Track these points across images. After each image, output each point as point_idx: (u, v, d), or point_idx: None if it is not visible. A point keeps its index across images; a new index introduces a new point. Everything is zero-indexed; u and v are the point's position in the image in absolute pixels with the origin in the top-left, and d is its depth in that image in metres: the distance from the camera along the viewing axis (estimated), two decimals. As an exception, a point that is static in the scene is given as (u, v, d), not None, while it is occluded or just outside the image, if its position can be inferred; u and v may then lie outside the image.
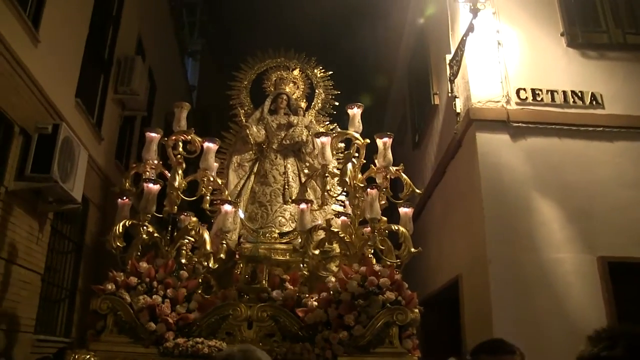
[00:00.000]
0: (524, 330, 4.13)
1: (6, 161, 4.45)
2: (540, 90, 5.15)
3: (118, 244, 3.83)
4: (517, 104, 5.11)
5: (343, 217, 4.41)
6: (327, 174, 4.16)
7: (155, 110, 9.09)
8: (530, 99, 5.12)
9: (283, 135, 5.00)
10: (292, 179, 4.83)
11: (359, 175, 4.18)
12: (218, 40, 14.97)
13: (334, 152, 4.52)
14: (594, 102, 5.12)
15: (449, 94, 5.67)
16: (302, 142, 4.97)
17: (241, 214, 4.57)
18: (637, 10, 5.55)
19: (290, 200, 4.64)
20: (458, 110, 5.47)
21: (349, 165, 4.12)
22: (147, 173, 4.12)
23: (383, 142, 4.16)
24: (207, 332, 3.64)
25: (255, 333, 3.65)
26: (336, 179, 4.39)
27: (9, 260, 4.46)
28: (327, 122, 5.23)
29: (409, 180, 4.17)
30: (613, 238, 4.65)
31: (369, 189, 3.87)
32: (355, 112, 4.25)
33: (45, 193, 4.84)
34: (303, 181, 4.79)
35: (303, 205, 3.90)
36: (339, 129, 4.77)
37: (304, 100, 5.36)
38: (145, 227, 3.88)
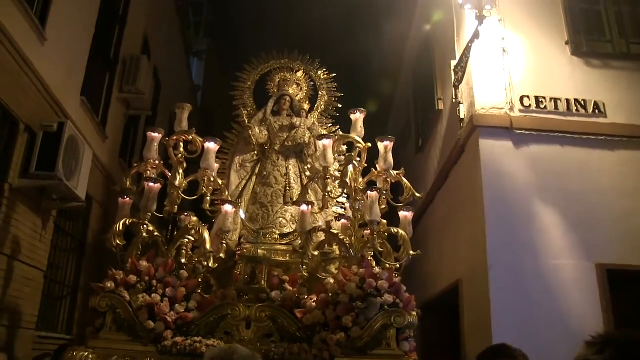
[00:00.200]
0: (523, 335, 4.10)
1: (11, 159, 4.47)
2: (544, 98, 5.17)
3: (118, 242, 3.84)
4: (520, 111, 5.14)
5: (343, 220, 4.43)
6: (328, 176, 4.17)
7: (160, 109, 9.12)
8: (533, 107, 5.15)
9: (285, 136, 5.01)
10: (294, 180, 4.84)
11: (360, 179, 4.20)
12: (224, 41, 15.01)
13: (336, 155, 4.53)
14: (597, 111, 5.14)
15: (453, 100, 5.70)
16: (304, 143, 4.97)
17: (242, 215, 4.58)
18: (642, 21, 5.59)
19: (290, 202, 4.65)
20: (462, 116, 5.49)
21: (350, 167, 4.12)
22: (148, 172, 4.14)
23: (384, 146, 4.17)
24: (206, 332, 3.65)
25: (254, 333, 3.66)
26: (337, 181, 4.40)
27: (13, 257, 4.49)
28: (330, 125, 5.23)
29: (409, 184, 4.18)
30: (613, 246, 4.68)
31: (369, 192, 3.88)
32: (357, 117, 4.26)
33: (50, 191, 4.87)
34: (304, 183, 4.79)
35: (304, 207, 3.91)
36: (341, 132, 4.79)
37: (307, 102, 5.36)
38: (145, 226, 3.89)
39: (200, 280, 3.97)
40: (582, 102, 5.17)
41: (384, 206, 4.07)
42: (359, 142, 4.18)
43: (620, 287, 4.54)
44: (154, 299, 3.62)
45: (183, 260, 3.98)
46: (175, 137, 4.15)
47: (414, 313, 3.67)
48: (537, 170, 4.95)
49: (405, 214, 4.17)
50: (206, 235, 3.98)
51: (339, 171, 4.55)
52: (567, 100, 5.17)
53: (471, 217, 5.21)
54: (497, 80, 5.22)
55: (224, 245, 3.96)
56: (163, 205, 4.07)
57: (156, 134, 4.22)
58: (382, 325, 3.52)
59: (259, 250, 4.04)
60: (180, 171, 4.04)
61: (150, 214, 3.91)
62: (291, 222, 4.60)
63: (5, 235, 4.39)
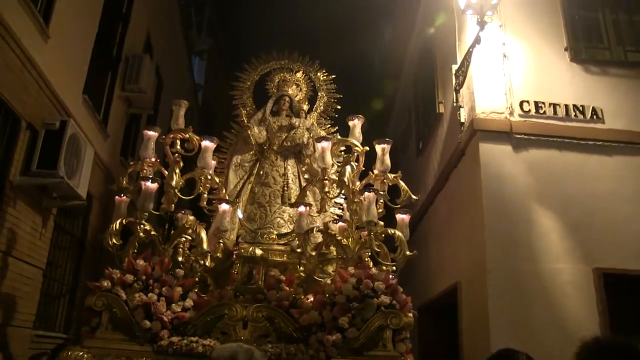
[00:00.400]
0: (520, 338, 4.17)
1: (12, 156, 4.49)
2: (543, 103, 5.20)
3: (114, 241, 3.83)
4: (520, 115, 5.17)
5: (341, 223, 4.44)
6: (326, 178, 4.17)
7: (162, 107, 9.13)
8: (533, 112, 5.18)
9: (284, 137, 5.03)
10: (292, 180, 4.85)
11: (357, 182, 4.21)
12: (225, 40, 15.04)
13: (334, 158, 4.53)
14: (595, 117, 5.18)
15: (454, 104, 5.73)
16: (302, 144, 4.99)
17: (240, 214, 4.60)
18: (638, 29, 5.64)
19: (288, 202, 4.66)
20: (462, 120, 5.52)
21: (348, 167, 4.14)
22: (145, 171, 4.14)
23: (382, 148, 4.17)
24: (202, 331, 3.65)
25: (250, 333, 3.66)
26: (335, 184, 4.41)
27: (12, 255, 4.50)
28: (329, 126, 5.25)
29: (405, 186, 4.20)
30: (610, 250, 4.70)
31: (366, 193, 3.89)
32: (355, 123, 4.27)
33: (51, 189, 4.88)
34: (303, 183, 4.80)
35: (302, 208, 3.92)
36: (339, 136, 4.81)
37: (306, 103, 5.38)
38: (142, 225, 3.90)
39: (197, 279, 3.96)
40: (581, 108, 5.20)
41: (380, 210, 4.08)
42: (357, 146, 4.20)
43: (617, 292, 4.56)
44: (150, 298, 3.61)
45: (180, 259, 3.98)
46: (172, 136, 4.15)
47: (410, 314, 3.68)
48: (535, 174, 4.98)
49: (402, 217, 4.18)
50: (203, 234, 3.99)
51: (338, 172, 4.56)
52: (566, 106, 5.20)
53: (470, 220, 5.24)
54: (497, 85, 5.25)
55: (221, 244, 3.97)
56: (160, 203, 4.08)
57: (153, 133, 4.19)
58: (379, 327, 3.53)
59: (257, 250, 4.05)
60: (177, 170, 4.04)
61: (147, 213, 3.92)
62: (289, 223, 4.61)
63: (6, 232, 4.40)
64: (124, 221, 3.94)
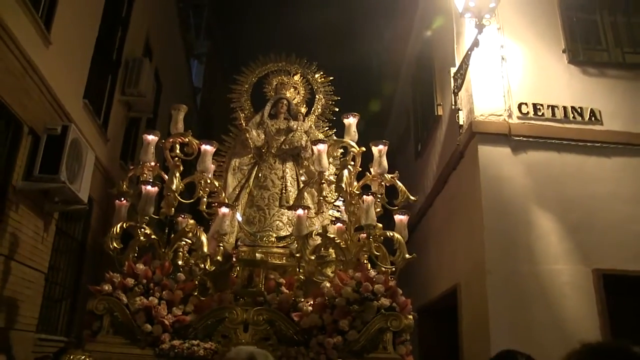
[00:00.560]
0: (520, 339, 4.18)
1: (15, 161, 4.51)
2: (542, 105, 5.23)
3: (115, 245, 3.85)
4: (518, 118, 5.19)
5: (339, 224, 4.45)
6: (323, 181, 4.19)
7: (161, 111, 9.14)
8: (531, 114, 5.21)
9: (282, 139, 5.04)
10: (290, 183, 4.87)
11: (355, 183, 4.23)
12: (224, 43, 15.07)
13: (331, 160, 4.54)
14: (593, 118, 5.21)
15: (453, 106, 5.75)
16: (301, 147, 5.00)
17: (239, 217, 4.61)
18: (636, 31, 5.67)
19: (286, 205, 4.67)
20: (461, 123, 5.55)
21: (345, 172, 4.15)
22: (145, 175, 4.16)
23: (378, 150, 4.19)
24: (203, 335, 3.66)
25: (251, 336, 3.68)
26: (333, 185, 4.43)
27: (15, 259, 4.52)
28: (327, 128, 5.26)
29: (403, 187, 4.21)
30: (609, 251, 4.72)
31: (364, 196, 3.90)
32: (350, 121, 4.29)
33: (53, 193, 4.90)
34: (301, 186, 4.80)
35: (300, 211, 3.93)
36: (335, 137, 4.82)
37: (304, 106, 5.38)
38: (142, 229, 3.91)
39: (196, 282, 3.98)
40: (579, 110, 5.23)
41: (379, 209, 4.10)
42: (353, 147, 4.22)
43: (616, 292, 4.59)
44: (151, 301, 3.63)
45: (180, 263, 4.00)
46: (171, 140, 4.17)
47: (410, 316, 3.70)
48: (534, 176, 5.01)
49: (400, 218, 4.20)
50: (203, 238, 4.00)
51: (335, 174, 4.58)
52: (564, 108, 5.23)
53: (469, 221, 5.26)
54: (495, 88, 5.28)
55: (221, 247, 3.98)
56: (160, 207, 4.09)
57: (152, 137, 4.21)
58: (379, 329, 3.56)
59: (257, 254, 4.07)
60: (177, 174, 4.07)
61: (147, 217, 3.93)
62: (288, 225, 4.62)
63: (8, 237, 4.41)
64: (124, 225, 3.96)
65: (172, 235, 4.26)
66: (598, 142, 5.11)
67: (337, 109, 5.28)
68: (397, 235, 4.01)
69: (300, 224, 3.89)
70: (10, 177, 4.44)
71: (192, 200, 4.20)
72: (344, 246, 4.03)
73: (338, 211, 4.88)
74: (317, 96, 5.41)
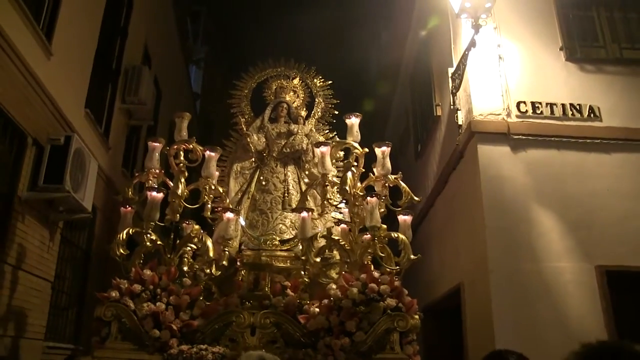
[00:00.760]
0: (524, 338, 4.23)
1: (20, 172, 4.55)
2: (540, 103, 5.25)
3: (122, 251, 3.87)
4: (517, 116, 5.22)
5: (343, 225, 4.48)
6: (327, 183, 4.22)
7: (161, 117, 9.18)
8: (530, 112, 5.23)
9: (283, 143, 5.07)
10: (292, 186, 4.89)
11: (358, 184, 4.25)
12: (222, 49, 15.12)
13: (334, 161, 4.56)
14: (592, 115, 5.23)
15: (451, 107, 5.79)
16: (302, 150, 5.04)
17: (242, 221, 4.64)
18: (633, 26, 5.68)
19: (289, 208, 4.70)
20: (460, 123, 5.58)
21: (349, 174, 4.18)
22: (150, 182, 4.20)
23: (382, 151, 4.22)
24: (211, 339, 3.68)
25: (258, 339, 3.69)
26: (336, 187, 4.45)
27: (22, 269, 4.55)
28: (327, 131, 5.29)
29: (407, 188, 4.23)
30: (611, 248, 4.73)
31: (368, 197, 3.92)
32: (353, 121, 4.32)
33: (57, 203, 4.93)
34: (303, 189, 4.83)
35: (304, 214, 3.95)
36: (337, 139, 4.85)
37: (304, 109, 5.42)
38: (148, 235, 3.94)
39: (201, 287, 4.01)
40: (578, 107, 5.25)
41: (382, 209, 4.12)
42: (356, 148, 4.25)
43: (620, 289, 4.59)
44: (158, 307, 3.65)
45: (185, 268, 4.02)
46: (175, 147, 4.21)
47: (417, 316, 3.72)
48: (534, 174, 5.03)
49: (404, 218, 4.22)
50: (209, 243, 4.03)
51: (338, 177, 4.61)
52: (563, 105, 5.25)
53: (471, 221, 5.28)
54: (493, 87, 5.30)
55: (226, 252, 4.01)
56: (164, 213, 4.13)
57: (157, 144, 4.28)
58: (386, 329, 3.58)
59: (262, 257, 4.10)
60: (182, 180, 4.11)
61: (153, 223, 3.96)
62: (291, 228, 4.65)
63: (15, 247, 4.45)
64: (130, 231, 3.99)
65: (178, 241, 4.29)
66: (597, 139, 5.12)
67: (336, 112, 5.32)
68: (402, 236, 4.02)
69: (305, 227, 3.90)
70: (15, 188, 4.48)
71: (197, 206, 4.24)
72: (348, 248, 4.05)
73: (340, 213, 4.91)
74: (316, 99, 5.44)
